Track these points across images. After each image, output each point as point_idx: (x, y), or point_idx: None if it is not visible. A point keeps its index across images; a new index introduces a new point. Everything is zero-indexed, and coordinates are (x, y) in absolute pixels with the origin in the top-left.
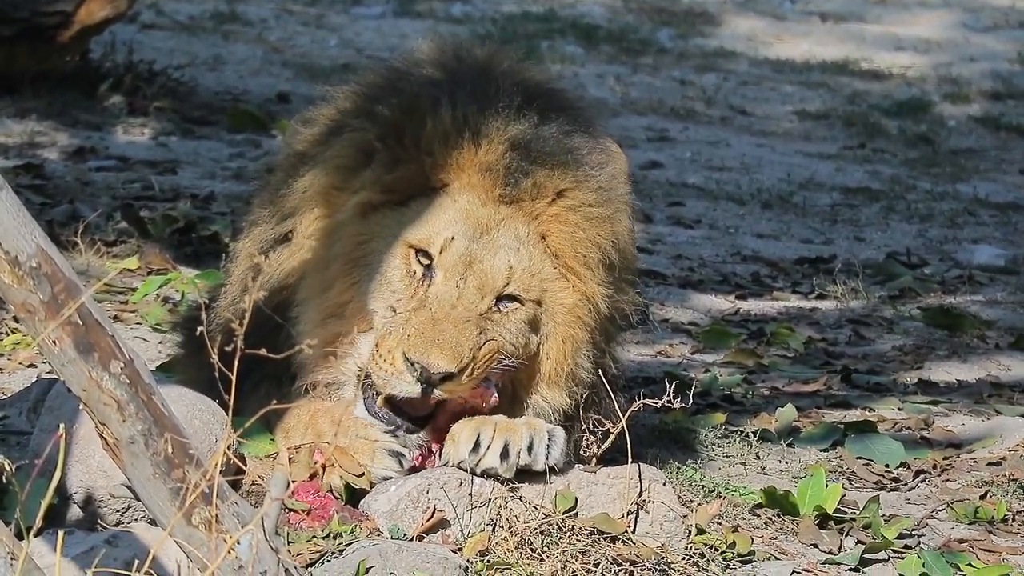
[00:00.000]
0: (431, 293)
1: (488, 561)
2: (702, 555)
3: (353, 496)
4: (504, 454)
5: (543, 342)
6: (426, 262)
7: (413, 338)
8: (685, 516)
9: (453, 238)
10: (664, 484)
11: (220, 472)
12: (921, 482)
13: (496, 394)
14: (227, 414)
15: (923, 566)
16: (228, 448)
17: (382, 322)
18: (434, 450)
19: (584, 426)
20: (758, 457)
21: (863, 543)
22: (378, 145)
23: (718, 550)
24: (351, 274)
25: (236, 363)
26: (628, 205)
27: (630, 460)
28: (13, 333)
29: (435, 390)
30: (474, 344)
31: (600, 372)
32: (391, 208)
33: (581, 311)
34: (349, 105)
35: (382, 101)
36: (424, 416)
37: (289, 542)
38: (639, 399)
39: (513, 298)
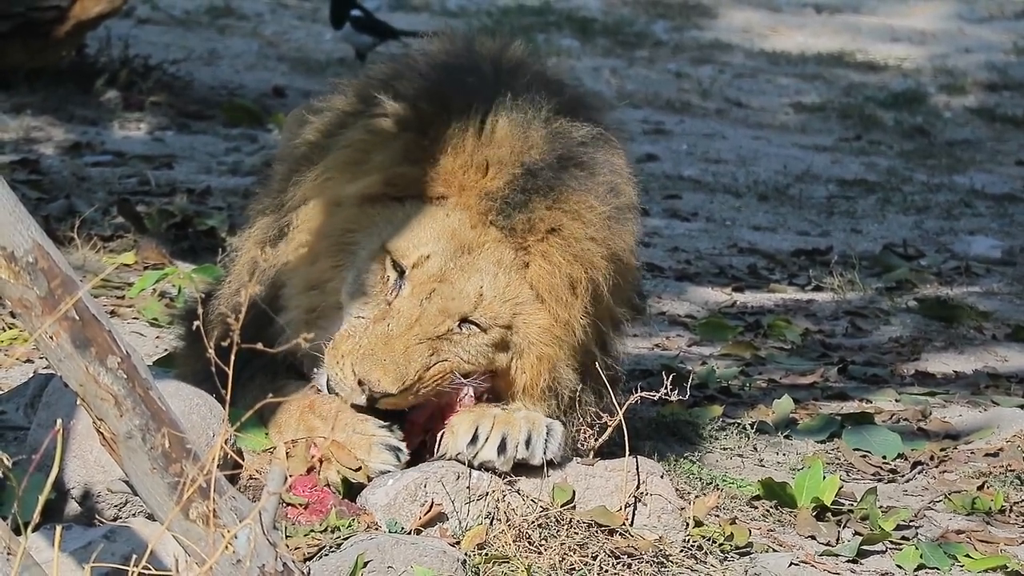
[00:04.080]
0: (395, 305)
1: (486, 554)
2: (700, 547)
3: (351, 490)
4: (502, 447)
5: (516, 358)
6: (399, 271)
7: (363, 353)
8: (683, 508)
9: (428, 256)
10: (662, 477)
11: (218, 466)
12: (918, 473)
13: (472, 394)
14: (224, 408)
15: (921, 557)
16: (225, 443)
17: (347, 320)
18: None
19: (582, 419)
20: (755, 449)
21: (861, 534)
22: (395, 130)
23: (716, 542)
24: (336, 256)
25: (232, 358)
26: (633, 212)
27: (628, 453)
28: (10, 328)
29: (379, 401)
30: (422, 366)
31: (597, 367)
32: (386, 203)
33: (557, 331)
34: (360, 95)
35: (399, 88)
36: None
37: (287, 536)
38: (636, 392)
39: (476, 324)
